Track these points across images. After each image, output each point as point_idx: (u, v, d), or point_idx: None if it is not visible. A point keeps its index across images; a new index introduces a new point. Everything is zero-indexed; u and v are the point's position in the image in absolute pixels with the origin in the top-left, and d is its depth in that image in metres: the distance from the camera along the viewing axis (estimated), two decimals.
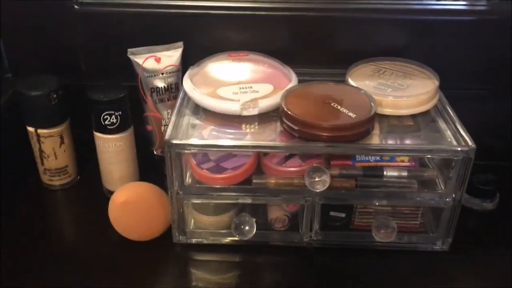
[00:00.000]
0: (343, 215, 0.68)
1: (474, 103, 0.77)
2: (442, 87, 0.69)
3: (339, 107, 0.63)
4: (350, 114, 0.61)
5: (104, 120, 0.69)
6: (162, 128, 0.77)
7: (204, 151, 0.65)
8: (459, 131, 0.63)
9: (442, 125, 0.66)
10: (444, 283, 0.64)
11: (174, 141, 0.61)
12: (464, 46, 0.76)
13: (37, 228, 0.71)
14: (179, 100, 0.69)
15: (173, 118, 0.65)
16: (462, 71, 0.77)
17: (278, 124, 0.65)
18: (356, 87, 0.68)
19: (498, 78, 0.78)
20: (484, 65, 0.77)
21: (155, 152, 0.80)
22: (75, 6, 0.74)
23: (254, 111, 0.65)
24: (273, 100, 0.65)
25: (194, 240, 0.68)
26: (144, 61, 0.73)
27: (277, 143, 0.63)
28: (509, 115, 0.79)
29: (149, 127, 0.78)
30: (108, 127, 0.70)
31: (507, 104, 0.79)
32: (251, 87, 0.67)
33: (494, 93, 0.79)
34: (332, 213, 0.67)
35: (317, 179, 0.62)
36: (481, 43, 0.76)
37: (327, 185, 0.61)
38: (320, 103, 0.64)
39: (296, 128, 0.61)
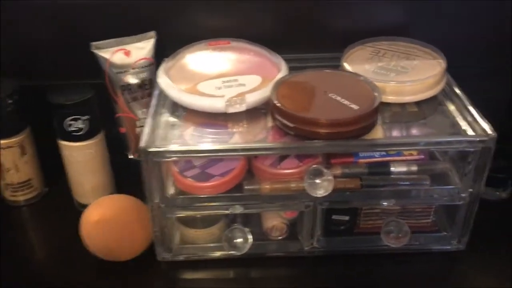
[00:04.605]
0: (347, 217, 0.62)
1: (476, 81, 0.70)
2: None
3: (338, 98, 0.56)
4: (352, 106, 0.54)
5: (69, 126, 0.63)
6: (137, 129, 0.72)
7: (187, 158, 0.58)
8: (474, 118, 0.57)
9: (452, 109, 0.61)
10: (463, 286, 0.60)
11: (151, 149, 0.53)
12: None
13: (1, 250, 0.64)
14: (154, 98, 0.63)
15: (149, 120, 0.58)
16: (462, 48, 0.72)
17: (268, 119, 0.59)
18: (354, 73, 0.62)
19: (503, 53, 0.73)
20: (484, 41, 0.73)
21: (130, 156, 0.74)
22: None
23: (242, 108, 0.58)
24: (263, 93, 0.59)
25: (181, 257, 0.62)
26: (111, 56, 0.67)
27: (271, 144, 0.57)
28: None
29: (122, 130, 0.72)
30: (74, 133, 0.64)
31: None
32: (236, 80, 0.61)
33: (498, 69, 0.74)
34: (334, 217, 0.61)
35: (317, 181, 0.55)
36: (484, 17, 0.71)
37: (330, 189, 0.54)
38: (317, 95, 0.58)
39: (291, 125, 0.54)
